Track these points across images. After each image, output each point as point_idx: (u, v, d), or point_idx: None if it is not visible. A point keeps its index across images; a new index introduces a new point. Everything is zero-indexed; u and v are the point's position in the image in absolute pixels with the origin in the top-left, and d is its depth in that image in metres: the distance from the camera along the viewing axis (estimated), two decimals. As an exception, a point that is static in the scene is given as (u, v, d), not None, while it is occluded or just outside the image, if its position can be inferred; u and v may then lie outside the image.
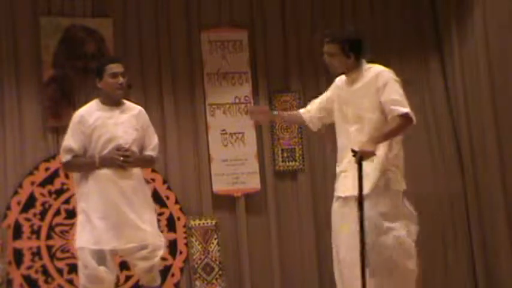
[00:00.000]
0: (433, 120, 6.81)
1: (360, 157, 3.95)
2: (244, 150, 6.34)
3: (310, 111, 4.54)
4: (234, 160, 6.45)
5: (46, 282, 5.84)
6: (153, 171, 6.20)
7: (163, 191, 6.23)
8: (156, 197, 6.19)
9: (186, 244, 6.22)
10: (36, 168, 5.96)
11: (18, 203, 5.88)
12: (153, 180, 6.21)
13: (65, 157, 4.37)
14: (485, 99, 6.21)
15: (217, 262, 6.25)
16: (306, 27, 6.79)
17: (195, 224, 6.27)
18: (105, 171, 4.28)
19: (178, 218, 6.25)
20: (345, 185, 4.15)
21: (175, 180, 6.33)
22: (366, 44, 4.29)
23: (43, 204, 5.92)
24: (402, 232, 4.09)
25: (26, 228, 5.86)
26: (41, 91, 6.08)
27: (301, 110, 4.62)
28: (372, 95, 4.14)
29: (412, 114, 4.08)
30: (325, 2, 6.90)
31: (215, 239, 6.30)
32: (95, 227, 4.22)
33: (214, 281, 6.21)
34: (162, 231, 6.09)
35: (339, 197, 4.19)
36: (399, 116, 4.05)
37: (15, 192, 5.90)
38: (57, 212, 5.95)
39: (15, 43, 6.12)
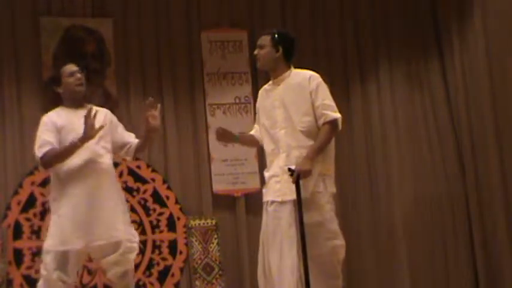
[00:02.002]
0: (433, 120, 6.81)
1: (298, 176, 3.92)
2: (244, 150, 6.31)
3: (258, 131, 4.47)
4: (234, 160, 6.45)
5: (46, 282, 5.84)
6: (153, 171, 6.21)
7: (163, 191, 6.23)
8: (156, 197, 6.22)
9: (186, 244, 6.22)
10: (36, 168, 5.94)
11: (18, 203, 5.89)
12: (153, 180, 6.22)
13: (43, 149, 4.19)
14: (485, 99, 6.20)
15: (217, 262, 6.25)
16: (306, 27, 6.79)
17: (195, 224, 6.27)
18: (75, 169, 4.19)
19: (178, 218, 6.25)
20: (280, 190, 4.09)
21: (175, 180, 6.32)
22: (297, 48, 4.29)
23: (43, 204, 5.91)
24: (340, 237, 4.12)
25: (26, 228, 5.87)
26: (41, 91, 6.08)
27: (252, 132, 4.53)
28: (304, 98, 4.13)
29: (340, 121, 4.11)
30: (325, 2, 6.90)
31: (215, 239, 6.29)
32: (63, 228, 4.16)
33: (214, 281, 6.20)
34: (161, 231, 6.15)
35: (274, 201, 4.12)
36: (329, 122, 4.07)
37: (15, 192, 5.91)
38: (57, 212, 5.94)
39: (15, 43, 6.13)
